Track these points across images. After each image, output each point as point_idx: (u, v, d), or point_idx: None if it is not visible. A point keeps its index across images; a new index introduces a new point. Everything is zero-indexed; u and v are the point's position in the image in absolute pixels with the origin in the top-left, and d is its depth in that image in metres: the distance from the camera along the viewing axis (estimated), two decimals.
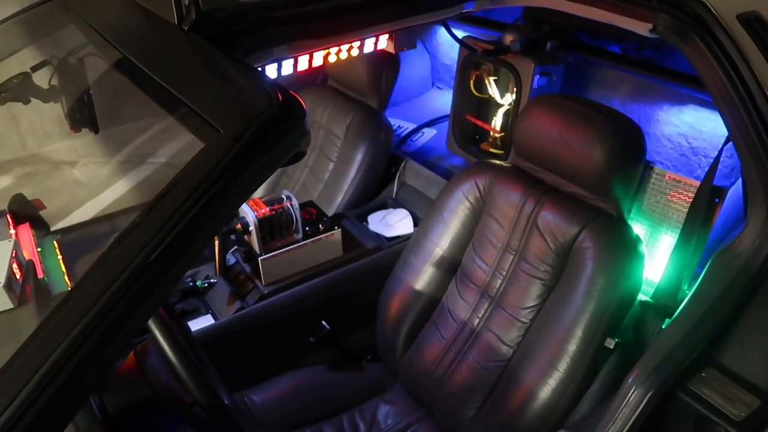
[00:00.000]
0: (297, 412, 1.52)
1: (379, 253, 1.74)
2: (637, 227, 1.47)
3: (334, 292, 1.65)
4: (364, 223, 1.89)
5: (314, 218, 1.63)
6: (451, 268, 1.57)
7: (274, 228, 1.53)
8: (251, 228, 1.48)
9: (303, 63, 1.26)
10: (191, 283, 1.64)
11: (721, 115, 1.11)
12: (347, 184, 1.94)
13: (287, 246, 1.55)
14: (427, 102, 2.56)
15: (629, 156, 1.29)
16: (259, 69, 1.01)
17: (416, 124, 2.37)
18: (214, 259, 1.48)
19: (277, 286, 1.58)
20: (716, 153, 1.27)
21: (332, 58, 1.33)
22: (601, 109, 1.35)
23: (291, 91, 0.81)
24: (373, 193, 2.02)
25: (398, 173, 2.03)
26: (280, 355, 1.60)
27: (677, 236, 1.30)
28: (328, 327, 1.56)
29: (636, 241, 1.31)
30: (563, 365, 1.27)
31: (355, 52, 1.34)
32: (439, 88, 2.63)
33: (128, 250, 0.67)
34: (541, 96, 1.48)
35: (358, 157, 1.93)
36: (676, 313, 1.16)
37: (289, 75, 1.24)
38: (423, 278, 1.58)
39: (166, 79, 0.86)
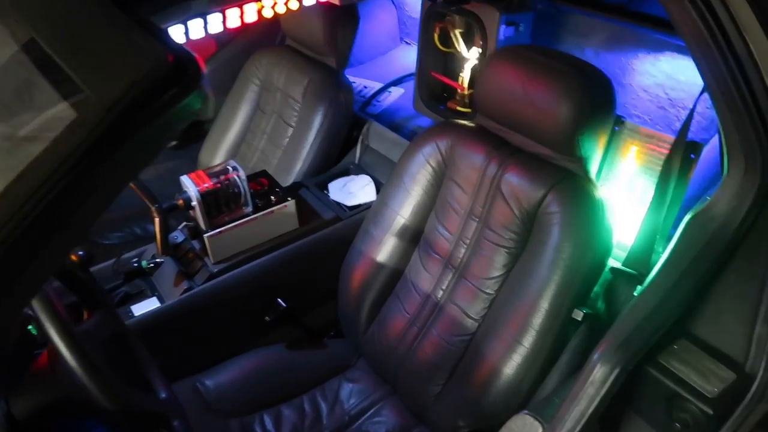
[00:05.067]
0: (254, 396, 1.44)
1: (338, 224, 1.63)
2: (609, 187, 1.37)
3: (290, 268, 1.55)
4: (325, 192, 1.77)
5: (266, 189, 1.52)
6: (414, 237, 1.47)
7: (221, 202, 1.42)
8: (194, 203, 1.37)
9: (233, 19, 1.13)
10: (136, 264, 1.53)
11: (696, 63, 0.99)
12: (306, 150, 1.81)
13: (236, 221, 1.44)
14: (395, 59, 2.42)
15: (596, 110, 1.18)
16: (162, 27, 0.88)
17: (382, 84, 2.23)
18: (156, 237, 1.37)
19: (228, 264, 1.48)
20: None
21: (267, 12, 1.19)
22: (567, 59, 1.23)
23: (187, 49, 0.69)
24: (335, 159, 1.90)
25: (361, 137, 1.90)
26: (235, 336, 1.51)
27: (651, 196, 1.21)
28: (284, 305, 1.46)
29: (605, 203, 1.21)
30: (529, 340, 1.19)
31: (294, 5, 1.20)
32: (407, 43, 2.48)
33: None
34: (504, 48, 1.36)
35: (317, 122, 1.80)
36: (647, 281, 1.07)
37: (242, 35, 1.10)
38: (385, 249, 1.48)
39: (42, 35, 0.73)
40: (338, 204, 1.71)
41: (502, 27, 1.59)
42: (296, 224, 1.56)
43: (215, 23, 1.09)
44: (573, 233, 1.17)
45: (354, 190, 1.72)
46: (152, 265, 1.49)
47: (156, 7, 0.91)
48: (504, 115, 1.32)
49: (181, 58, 0.67)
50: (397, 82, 2.22)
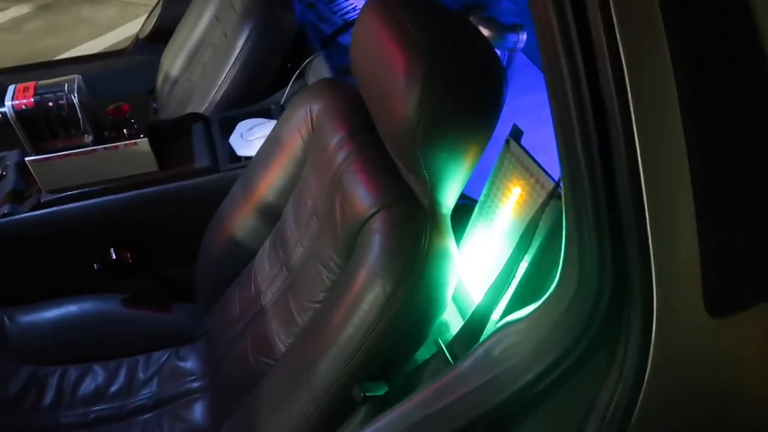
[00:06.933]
0: (69, 345, 1.27)
1: (212, 176, 1.35)
2: (479, 233, 0.96)
3: (141, 214, 1.32)
4: (232, 132, 1.48)
5: (123, 119, 1.26)
6: (273, 219, 1.17)
7: (55, 124, 1.19)
8: (11, 121, 1.16)
9: None
10: None
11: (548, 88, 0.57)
12: (223, 76, 1.51)
13: (69, 149, 1.21)
14: None
15: (452, 116, 0.77)
16: None
17: None
18: None
19: (62, 195, 1.27)
20: None
21: None
22: (439, 22, 0.80)
23: None
24: (263, 93, 1.57)
25: (299, 71, 1.55)
26: (67, 278, 1.33)
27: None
28: (114, 256, 1.25)
29: (444, 252, 0.83)
30: (295, 406, 0.89)
31: None
32: None
33: None
34: None
35: (239, 43, 1.48)
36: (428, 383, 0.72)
37: None
38: (245, 223, 1.20)
39: None
40: (232, 151, 1.42)
41: None
42: (155, 166, 1.30)
43: None
44: (378, 284, 0.82)
45: (254, 138, 1.41)
46: None
47: None
48: (365, 93, 0.94)
49: None
50: None
